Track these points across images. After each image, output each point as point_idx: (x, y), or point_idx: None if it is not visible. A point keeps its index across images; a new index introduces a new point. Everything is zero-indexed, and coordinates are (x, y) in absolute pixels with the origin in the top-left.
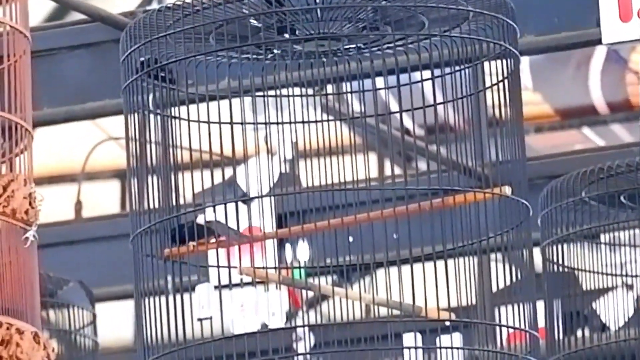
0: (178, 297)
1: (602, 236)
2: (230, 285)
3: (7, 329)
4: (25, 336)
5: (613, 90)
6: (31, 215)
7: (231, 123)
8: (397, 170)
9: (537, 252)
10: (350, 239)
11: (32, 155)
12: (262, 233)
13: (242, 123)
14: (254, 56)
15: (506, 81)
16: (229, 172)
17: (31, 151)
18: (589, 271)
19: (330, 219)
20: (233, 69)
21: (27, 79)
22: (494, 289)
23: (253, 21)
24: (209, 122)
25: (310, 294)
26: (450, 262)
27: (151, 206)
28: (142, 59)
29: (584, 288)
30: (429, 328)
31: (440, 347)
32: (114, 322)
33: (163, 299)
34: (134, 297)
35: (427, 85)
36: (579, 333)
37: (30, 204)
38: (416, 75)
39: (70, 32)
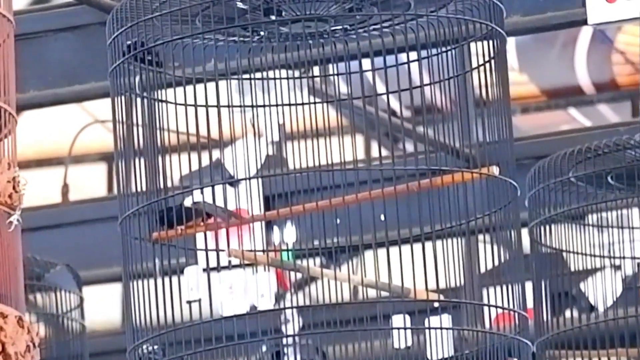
0: (166, 279)
1: (589, 216)
2: (218, 268)
3: None
4: (9, 320)
5: (599, 70)
6: (15, 199)
7: (218, 105)
8: (385, 152)
9: (524, 232)
10: (338, 220)
11: (16, 139)
12: (249, 215)
13: (228, 105)
14: (241, 38)
15: (492, 62)
16: (216, 154)
17: (15, 135)
18: (577, 252)
19: (318, 201)
20: (219, 51)
21: (11, 63)
22: (482, 270)
23: (239, 3)
24: (195, 105)
25: (299, 275)
26: (438, 243)
27: (139, 189)
28: (128, 42)
29: (572, 268)
30: (418, 309)
31: (429, 328)
32: (102, 305)
33: (151, 281)
34: (122, 280)
35: (414, 66)
36: (567, 313)
37: (14, 188)
38: (403, 57)
39: (56, 15)
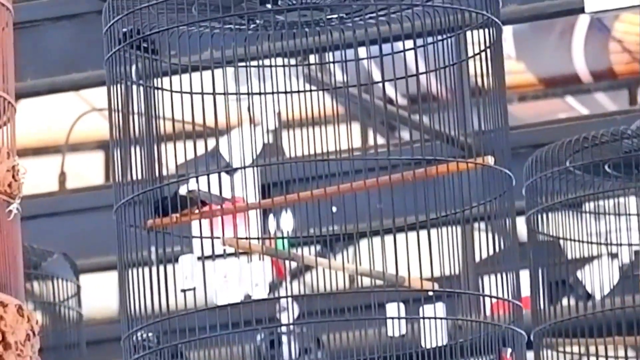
0: (161, 268)
1: (586, 205)
2: (213, 256)
3: None
4: (9, 309)
5: (596, 58)
6: (14, 188)
7: (214, 94)
8: (380, 140)
9: (521, 221)
10: (334, 209)
11: (15, 127)
12: (245, 204)
13: (224, 94)
14: (237, 26)
15: (489, 50)
16: (212, 143)
17: (14, 124)
18: (574, 240)
19: (314, 189)
20: (215, 40)
21: (10, 52)
22: (478, 259)
23: None
24: (191, 93)
25: (294, 264)
26: (434, 231)
27: (135, 177)
28: (124, 30)
29: (569, 257)
30: (412, 298)
31: (424, 317)
32: (98, 294)
33: (147, 270)
34: (118, 268)
35: (410, 54)
36: (564, 302)
37: (13, 176)
38: (399, 45)
39: (53, 4)
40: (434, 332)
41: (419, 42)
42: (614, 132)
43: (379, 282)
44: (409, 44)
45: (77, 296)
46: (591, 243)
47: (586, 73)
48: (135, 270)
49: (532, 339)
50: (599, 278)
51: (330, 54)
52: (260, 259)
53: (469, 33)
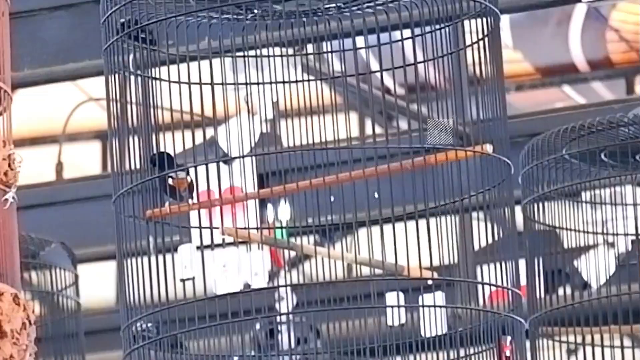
0: (160, 257)
1: (583, 194)
2: (212, 246)
3: None
4: (5, 298)
5: (593, 48)
6: (10, 177)
7: (212, 83)
8: (378, 129)
9: (518, 210)
10: (332, 198)
11: (12, 117)
12: (243, 193)
13: (222, 83)
14: (234, 16)
15: (486, 39)
16: (210, 132)
17: (10, 113)
18: (570, 229)
19: (312, 179)
20: (213, 29)
21: (6, 41)
22: (476, 247)
23: None
24: (189, 83)
25: (293, 253)
26: (432, 220)
27: (132, 167)
28: (122, 20)
29: (565, 246)
30: (412, 287)
31: (423, 306)
32: (96, 283)
33: (145, 259)
34: (116, 258)
35: (408, 44)
36: (561, 291)
37: (9, 165)
38: (396, 34)
39: None
40: (434, 320)
41: (417, 31)
42: (611, 119)
43: (378, 271)
44: (407, 33)
45: (75, 285)
46: (587, 232)
47: (583, 62)
48: (134, 260)
49: (528, 327)
50: (596, 267)
51: (328, 43)
52: (259, 248)
53: (466, 22)
